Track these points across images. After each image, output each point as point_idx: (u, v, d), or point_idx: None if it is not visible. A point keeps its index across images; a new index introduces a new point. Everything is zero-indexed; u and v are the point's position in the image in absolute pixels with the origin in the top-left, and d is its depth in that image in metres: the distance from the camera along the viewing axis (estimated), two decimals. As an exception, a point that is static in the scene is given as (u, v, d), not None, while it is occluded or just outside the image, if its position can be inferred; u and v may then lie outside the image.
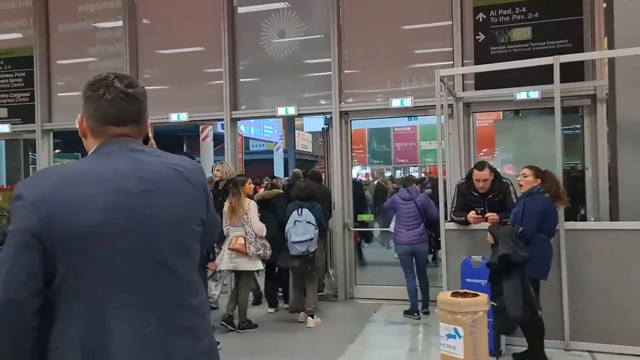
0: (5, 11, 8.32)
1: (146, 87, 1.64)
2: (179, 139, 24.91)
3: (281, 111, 7.21)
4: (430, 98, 6.31)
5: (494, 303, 4.14)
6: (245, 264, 5.62)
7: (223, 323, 5.66)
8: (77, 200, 1.38)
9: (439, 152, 5.34)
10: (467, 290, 4.11)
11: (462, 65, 6.47)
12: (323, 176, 7.68)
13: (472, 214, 4.92)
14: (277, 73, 7.34)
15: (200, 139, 15.01)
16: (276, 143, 23.34)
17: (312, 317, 5.88)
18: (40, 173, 1.53)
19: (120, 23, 7.82)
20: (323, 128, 7.88)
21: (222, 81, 7.33)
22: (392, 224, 6.32)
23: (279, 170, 21.49)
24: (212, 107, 7.51)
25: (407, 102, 6.69)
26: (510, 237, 4.19)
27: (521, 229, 4.26)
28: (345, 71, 7.01)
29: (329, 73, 6.98)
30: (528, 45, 6.30)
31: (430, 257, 6.67)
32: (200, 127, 14.54)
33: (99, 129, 1.54)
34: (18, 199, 1.38)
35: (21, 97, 8.27)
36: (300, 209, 5.86)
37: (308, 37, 7.20)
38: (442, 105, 5.44)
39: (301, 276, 6.04)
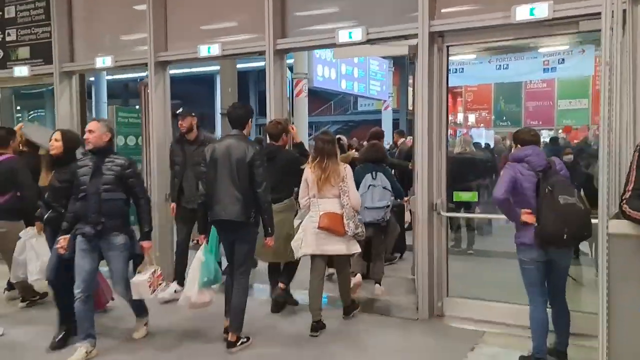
0: None
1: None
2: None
3: (343, 36, 4.90)
4: None
5: None
6: (341, 246, 4.42)
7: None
8: None
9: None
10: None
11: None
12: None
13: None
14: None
15: (295, 94, 12.68)
16: (384, 101, 20.77)
17: (380, 284, 5.40)
18: None
19: None
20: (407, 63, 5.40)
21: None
22: None
23: (388, 132, 19.05)
24: (251, 36, 5.40)
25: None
26: None
27: None
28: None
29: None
30: None
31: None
32: (295, 81, 12.30)
33: None
34: None
35: (43, 32, 6.79)
36: (374, 173, 5.33)
37: None
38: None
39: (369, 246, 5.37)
